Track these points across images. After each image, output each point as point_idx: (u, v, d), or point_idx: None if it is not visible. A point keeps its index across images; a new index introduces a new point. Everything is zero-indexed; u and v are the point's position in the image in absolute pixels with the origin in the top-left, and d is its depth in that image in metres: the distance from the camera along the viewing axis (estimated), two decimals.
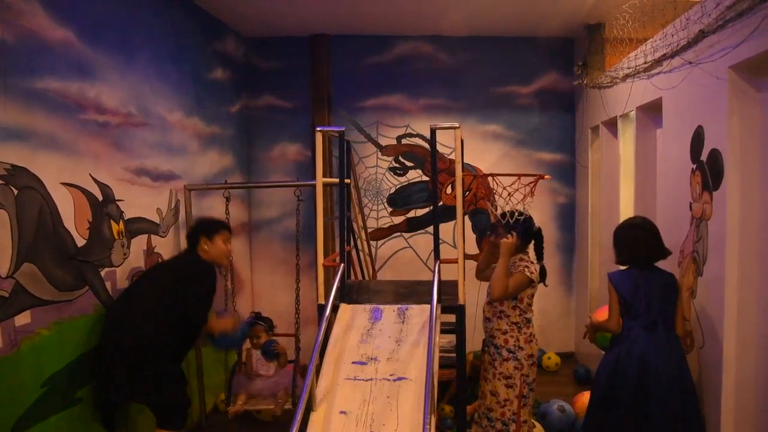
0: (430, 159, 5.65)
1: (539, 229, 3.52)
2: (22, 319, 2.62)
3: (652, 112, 4.00)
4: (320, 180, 3.21)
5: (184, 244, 4.16)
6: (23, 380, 2.62)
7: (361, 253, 4.59)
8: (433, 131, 3.11)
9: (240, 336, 3.66)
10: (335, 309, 3.08)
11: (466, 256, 3.61)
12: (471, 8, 4.86)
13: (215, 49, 4.98)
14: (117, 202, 3.38)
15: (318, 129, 3.17)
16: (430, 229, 5.77)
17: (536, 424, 3.88)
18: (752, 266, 2.86)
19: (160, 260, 3.88)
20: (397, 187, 5.83)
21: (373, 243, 5.66)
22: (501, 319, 3.33)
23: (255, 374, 3.89)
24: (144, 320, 3.05)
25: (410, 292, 3.49)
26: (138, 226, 3.64)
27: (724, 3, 2.73)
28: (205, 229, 3.51)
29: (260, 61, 5.73)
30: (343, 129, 3.28)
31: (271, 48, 5.72)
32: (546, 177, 4.40)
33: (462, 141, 3.23)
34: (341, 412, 2.52)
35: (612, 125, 4.80)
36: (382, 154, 5.81)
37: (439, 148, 5.04)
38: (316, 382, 2.62)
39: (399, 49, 5.76)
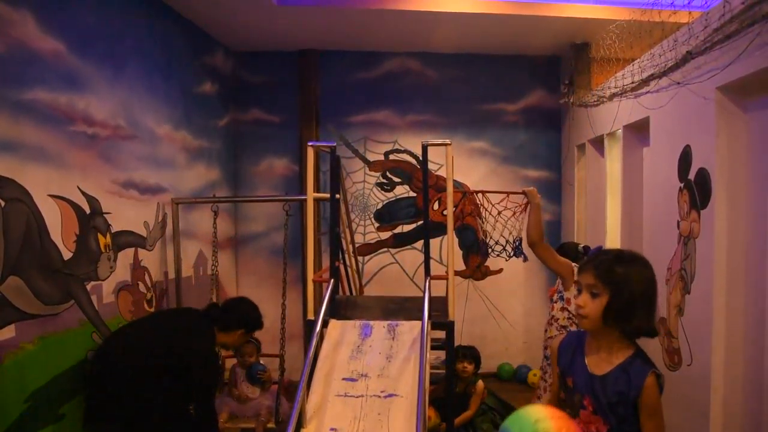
0: (418, 175, 5.70)
1: (586, 247, 3.62)
2: (6, 333, 2.57)
3: (638, 131, 4.05)
4: (311, 195, 3.20)
5: (170, 258, 4.15)
6: (6, 395, 2.57)
7: (348, 269, 4.57)
8: (424, 147, 3.12)
9: None
10: (325, 325, 3.06)
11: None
12: (459, 26, 4.90)
13: (204, 63, 4.97)
14: (104, 215, 3.34)
15: (309, 144, 3.16)
16: (417, 244, 5.77)
17: None
18: (740, 284, 2.89)
19: (146, 274, 3.84)
20: (384, 202, 5.83)
21: (360, 258, 5.64)
22: (551, 326, 3.33)
23: (237, 393, 3.86)
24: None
25: (399, 308, 3.47)
26: (125, 240, 3.60)
27: (712, 25, 2.78)
28: (250, 327, 3.49)
29: (248, 75, 5.73)
30: (335, 144, 3.27)
31: (259, 62, 5.72)
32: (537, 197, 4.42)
33: (452, 157, 3.23)
34: (332, 429, 2.49)
35: (598, 143, 4.85)
36: (370, 170, 5.81)
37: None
38: (306, 398, 2.59)
39: (387, 65, 5.79)
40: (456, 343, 3.34)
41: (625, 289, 1.78)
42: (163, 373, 3.03)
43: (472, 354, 4.24)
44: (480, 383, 4.22)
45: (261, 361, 4.00)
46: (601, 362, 1.85)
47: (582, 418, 1.84)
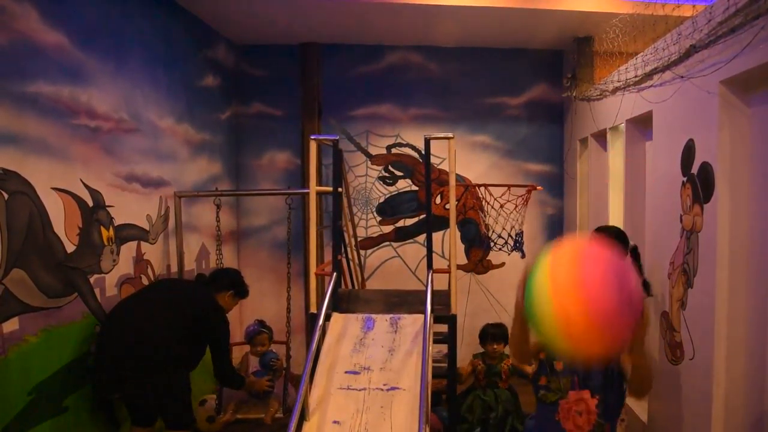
0: (420, 168, 5.70)
1: (635, 247, 3.52)
2: (10, 325, 2.58)
3: (641, 124, 4.05)
4: (314, 189, 3.20)
5: (173, 251, 4.15)
6: (10, 388, 2.58)
7: (351, 263, 4.58)
8: (427, 141, 3.12)
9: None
10: (327, 318, 3.07)
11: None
12: (461, 19, 4.89)
13: (206, 56, 4.97)
14: (107, 208, 3.35)
15: (312, 137, 3.17)
16: (419, 238, 5.78)
17: None
18: (742, 278, 2.88)
19: (149, 268, 3.85)
20: (387, 196, 5.83)
21: (362, 252, 5.64)
22: None
23: (249, 381, 3.93)
24: (162, 332, 3.12)
25: (401, 302, 3.48)
26: (128, 233, 3.60)
27: (716, 19, 2.77)
28: (238, 288, 3.74)
29: (251, 68, 5.72)
30: (338, 138, 3.28)
31: (261, 56, 5.71)
32: (539, 188, 4.44)
33: (455, 151, 3.24)
34: (334, 422, 2.51)
35: (601, 137, 4.84)
36: (372, 163, 5.81)
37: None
38: (309, 391, 2.60)
39: (389, 58, 5.78)
40: (458, 339, 3.35)
41: None
42: (183, 333, 3.20)
43: (502, 334, 4.19)
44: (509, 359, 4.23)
45: (273, 350, 4.14)
46: None
47: (570, 398, 1.96)
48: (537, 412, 2.11)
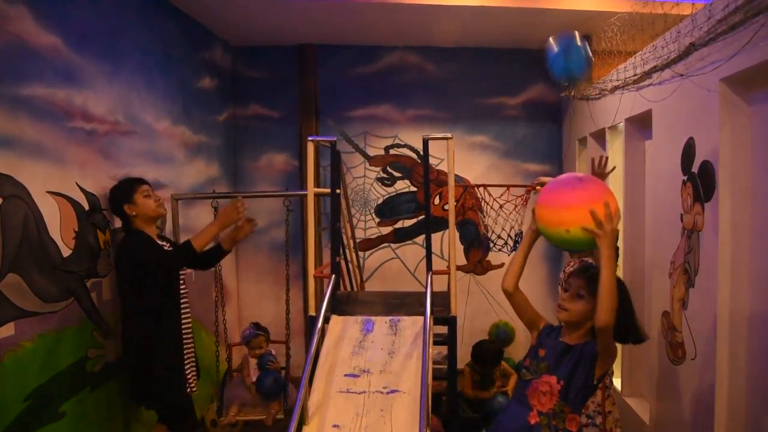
0: (418, 169, 5.68)
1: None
2: (5, 331, 2.55)
3: (641, 123, 4.03)
4: (311, 190, 3.18)
5: None
6: (5, 394, 2.55)
7: (349, 264, 4.56)
8: (425, 141, 3.10)
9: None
10: (326, 320, 3.04)
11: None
12: (459, 19, 4.87)
13: (203, 58, 4.94)
14: (104, 212, 3.32)
15: (309, 138, 3.15)
16: (418, 239, 5.76)
17: None
18: (744, 277, 2.86)
19: None
20: (385, 197, 5.81)
21: (360, 253, 5.62)
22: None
23: (249, 383, 3.91)
24: (124, 321, 3.23)
25: (401, 304, 3.46)
26: None
27: (716, 16, 2.75)
28: (122, 196, 3.21)
29: (248, 70, 5.70)
30: (335, 139, 3.25)
31: (258, 57, 5.69)
32: (538, 188, 4.41)
33: (453, 152, 3.22)
34: (334, 426, 2.48)
35: (600, 137, 4.82)
36: (370, 165, 5.79)
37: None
38: (309, 395, 2.57)
39: (387, 59, 5.76)
40: (458, 339, 3.33)
41: None
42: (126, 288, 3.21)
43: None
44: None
45: (272, 351, 4.15)
46: (573, 339, 2.35)
47: (542, 379, 2.31)
48: (515, 387, 2.53)
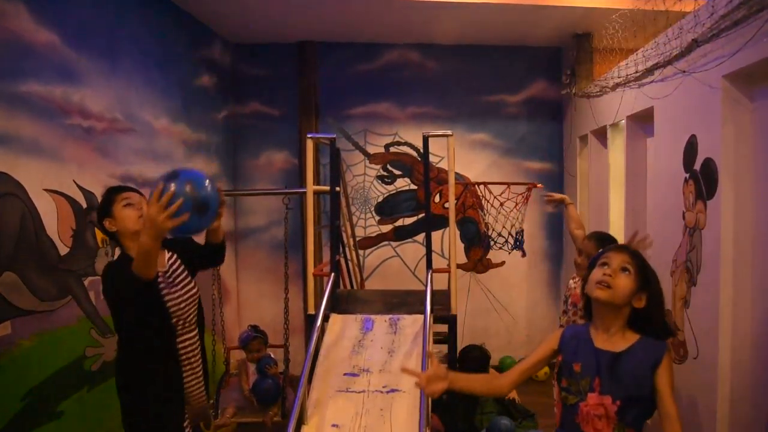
0: (418, 167, 5.65)
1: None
2: (2, 329, 2.54)
3: (642, 121, 4.00)
4: (311, 188, 3.16)
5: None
6: (3, 393, 2.54)
7: (349, 263, 4.53)
8: (426, 139, 3.08)
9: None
10: (326, 319, 3.02)
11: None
12: (459, 16, 4.85)
13: (202, 56, 4.92)
14: None
15: (309, 136, 3.13)
16: (418, 237, 5.74)
17: None
18: (746, 275, 2.84)
19: None
20: (385, 195, 5.78)
21: (360, 252, 5.60)
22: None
23: (247, 390, 3.88)
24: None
25: (401, 302, 3.43)
26: None
27: (718, 12, 2.73)
28: (101, 209, 2.47)
29: (247, 67, 5.67)
30: (335, 136, 3.23)
31: (258, 55, 5.66)
32: (539, 186, 4.40)
33: (454, 149, 3.20)
34: (333, 425, 2.46)
35: (601, 134, 4.80)
36: (370, 163, 5.77)
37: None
38: (308, 394, 2.55)
39: (387, 56, 5.73)
40: (459, 338, 3.32)
41: (656, 286, 1.95)
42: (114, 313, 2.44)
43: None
44: None
45: (271, 354, 4.11)
46: (616, 342, 1.95)
47: (589, 401, 1.92)
48: (561, 414, 2.08)
